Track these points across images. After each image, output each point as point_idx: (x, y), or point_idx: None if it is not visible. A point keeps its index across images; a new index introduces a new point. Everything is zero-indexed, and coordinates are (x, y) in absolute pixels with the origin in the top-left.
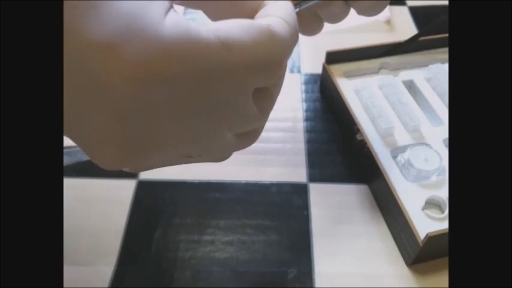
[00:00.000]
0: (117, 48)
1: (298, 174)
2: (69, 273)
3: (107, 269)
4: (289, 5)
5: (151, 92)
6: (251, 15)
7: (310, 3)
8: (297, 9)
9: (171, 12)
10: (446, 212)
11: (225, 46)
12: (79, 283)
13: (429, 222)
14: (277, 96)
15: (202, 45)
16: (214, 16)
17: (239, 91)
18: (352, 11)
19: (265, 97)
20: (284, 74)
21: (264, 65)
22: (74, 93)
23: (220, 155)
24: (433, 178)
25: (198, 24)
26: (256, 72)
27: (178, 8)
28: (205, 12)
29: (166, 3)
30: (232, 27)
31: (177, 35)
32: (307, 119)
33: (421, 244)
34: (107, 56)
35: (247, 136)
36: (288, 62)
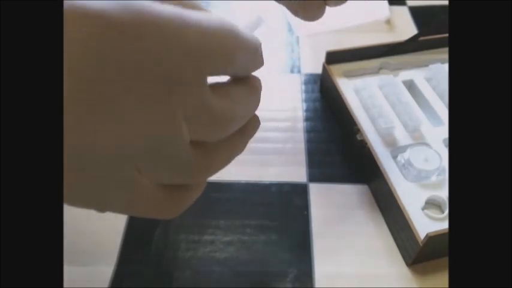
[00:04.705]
0: None
1: (298, 174)
2: (69, 273)
3: (107, 269)
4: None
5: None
6: None
7: None
8: None
9: None
10: (446, 212)
11: (182, 18)
12: (79, 283)
13: (429, 222)
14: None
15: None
16: None
17: (192, 70)
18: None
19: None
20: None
21: (220, 44)
22: None
23: (164, 178)
24: (433, 178)
25: None
26: (211, 53)
27: None
28: None
29: None
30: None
31: None
32: (307, 119)
33: (421, 244)
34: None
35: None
36: (288, 62)
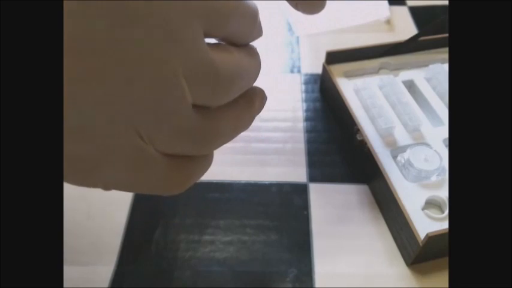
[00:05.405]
0: None
1: (298, 174)
2: (69, 273)
3: (107, 269)
4: None
5: None
6: None
7: None
8: None
9: None
10: (446, 212)
11: None
12: (79, 283)
13: (429, 222)
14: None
15: None
16: None
17: (189, 23)
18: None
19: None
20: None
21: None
22: None
23: (168, 144)
24: (433, 178)
25: None
26: (210, 7)
27: None
28: None
29: None
30: None
31: None
32: (307, 119)
33: (421, 244)
34: None
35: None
36: (288, 62)
